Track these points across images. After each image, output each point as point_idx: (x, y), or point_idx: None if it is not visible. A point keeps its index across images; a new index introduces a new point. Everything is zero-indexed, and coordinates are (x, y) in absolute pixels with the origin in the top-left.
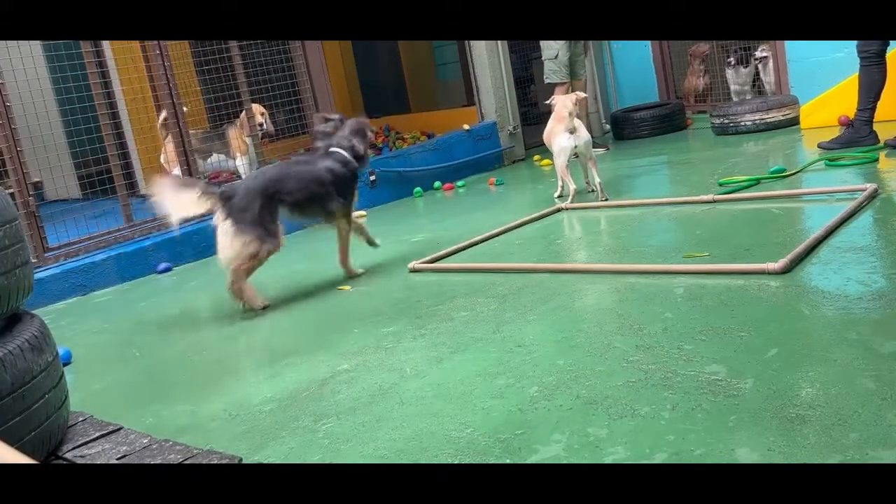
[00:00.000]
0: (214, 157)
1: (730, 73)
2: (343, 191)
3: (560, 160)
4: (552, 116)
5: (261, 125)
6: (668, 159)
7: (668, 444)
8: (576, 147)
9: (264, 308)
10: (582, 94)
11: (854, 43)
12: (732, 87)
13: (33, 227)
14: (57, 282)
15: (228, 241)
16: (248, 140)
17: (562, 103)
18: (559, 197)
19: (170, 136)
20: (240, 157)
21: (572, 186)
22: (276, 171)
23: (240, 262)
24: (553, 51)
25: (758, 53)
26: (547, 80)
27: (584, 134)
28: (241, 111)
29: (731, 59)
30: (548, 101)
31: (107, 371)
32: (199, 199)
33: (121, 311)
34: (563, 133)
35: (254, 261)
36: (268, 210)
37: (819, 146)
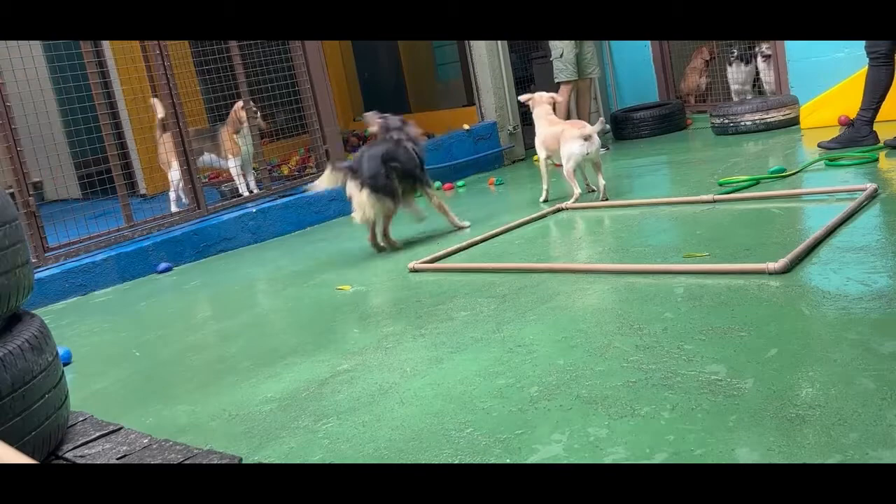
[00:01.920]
0: (206, 157)
1: (731, 69)
2: (421, 167)
3: (569, 165)
4: (542, 119)
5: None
6: (668, 159)
7: (668, 444)
8: (588, 154)
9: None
10: (559, 98)
11: (856, 43)
12: (733, 87)
13: (33, 227)
14: (57, 282)
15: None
16: (240, 140)
17: (542, 108)
18: (545, 202)
19: (163, 137)
20: (231, 158)
21: (577, 191)
22: (386, 146)
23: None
24: (558, 50)
25: (764, 49)
26: (556, 80)
27: (596, 140)
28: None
29: (735, 51)
30: (520, 99)
31: (107, 371)
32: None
33: (121, 311)
34: (577, 139)
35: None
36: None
37: (819, 146)
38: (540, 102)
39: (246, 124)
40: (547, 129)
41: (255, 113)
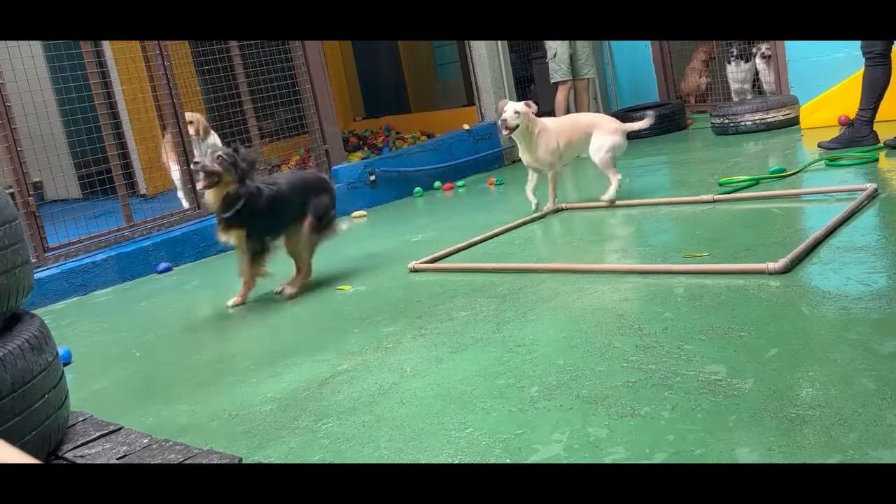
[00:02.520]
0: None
1: (730, 67)
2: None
3: (609, 154)
4: (547, 122)
5: (192, 126)
6: (668, 159)
7: (668, 444)
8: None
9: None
10: (533, 105)
11: (856, 43)
12: (733, 86)
13: (33, 227)
14: (57, 282)
15: None
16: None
17: (536, 121)
18: (556, 210)
19: (165, 137)
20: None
21: (618, 176)
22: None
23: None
24: (552, 50)
25: (764, 50)
26: (552, 80)
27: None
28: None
29: (734, 50)
30: (510, 125)
31: (107, 371)
32: None
33: (121, 311)
34: (619, 132)
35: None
36: None
37: (819, 146)
38: (530, 116)
39: (197, 137)
40: (562, 122)
41: (199, 131)
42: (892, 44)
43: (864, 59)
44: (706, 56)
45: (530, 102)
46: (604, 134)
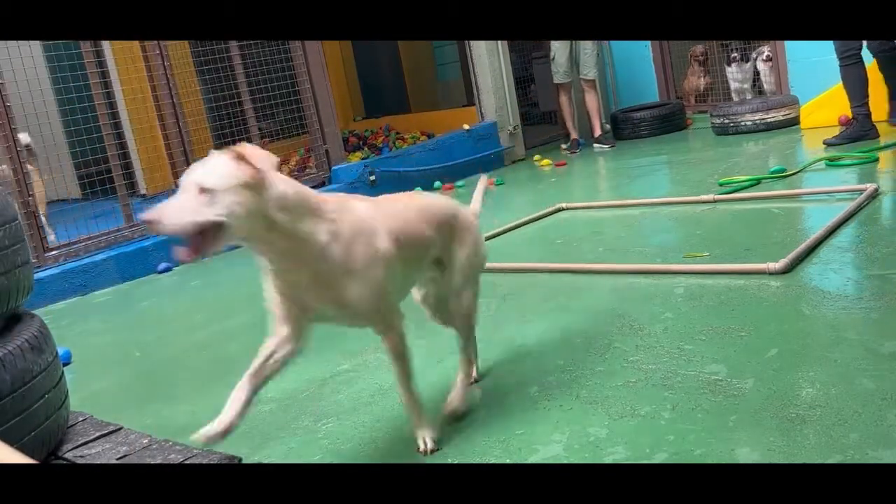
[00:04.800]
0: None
1: (731, 68)
2: None
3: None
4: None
5: None
6: (668, 159)
7: (668, 444)
8: None
9: None
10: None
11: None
12: (733, 86)
13: (33, 227)
14: (57, 282)
15: None
16: None
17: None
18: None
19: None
20: None
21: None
22: None
23: None
24: (552, 52)
25: (765, 54)
26: (554, 82)
27: None
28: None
29: (735, 53)
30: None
31: (107, 371)
32: None
33: (121, 311)
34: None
35: None
36: None
37: (825, 143)
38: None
39: None
40: (387, 206)
41: None
42: (863, 43)
43: (840, 61)
44: (701, 55)
45: (261, 157)
46: (473, 235)
